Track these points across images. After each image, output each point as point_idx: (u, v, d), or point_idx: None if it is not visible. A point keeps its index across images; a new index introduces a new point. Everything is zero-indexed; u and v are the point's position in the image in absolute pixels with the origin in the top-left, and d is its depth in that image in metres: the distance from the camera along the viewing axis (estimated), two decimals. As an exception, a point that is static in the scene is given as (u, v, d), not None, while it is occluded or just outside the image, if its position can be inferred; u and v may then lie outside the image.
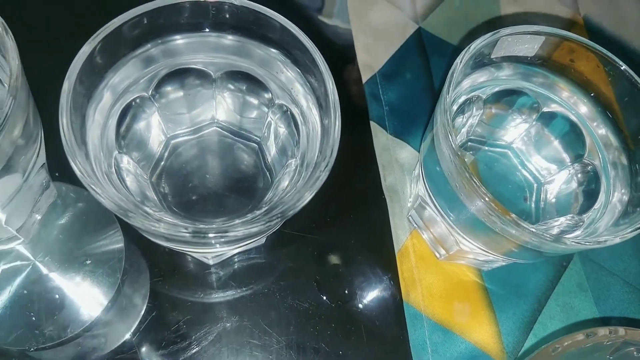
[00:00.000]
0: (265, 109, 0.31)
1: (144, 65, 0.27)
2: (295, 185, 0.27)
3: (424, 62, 0.41)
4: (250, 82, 0.30)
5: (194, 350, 0.31)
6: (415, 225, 0.35)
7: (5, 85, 0.26)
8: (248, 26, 0.27)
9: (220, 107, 0.31)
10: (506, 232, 0.25)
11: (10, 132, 0.23)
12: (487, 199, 0.24)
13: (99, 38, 0.23)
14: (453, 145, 0.24)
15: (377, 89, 0.39)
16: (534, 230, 0.24)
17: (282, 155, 0.31)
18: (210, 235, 0.22)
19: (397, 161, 0.37)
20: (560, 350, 0.26)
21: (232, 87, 0.30)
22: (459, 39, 0.42)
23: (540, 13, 0.44)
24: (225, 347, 0.31)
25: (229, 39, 0.27)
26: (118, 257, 0.32)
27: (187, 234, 0.22)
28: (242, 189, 0.32)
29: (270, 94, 0.30)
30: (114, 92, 0.26)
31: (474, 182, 0.24)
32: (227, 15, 0.26)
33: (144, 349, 0.31)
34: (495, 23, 0.43)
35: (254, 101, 0.31)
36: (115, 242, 0.33)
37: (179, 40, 0.27)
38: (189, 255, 0.33)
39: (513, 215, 0.24)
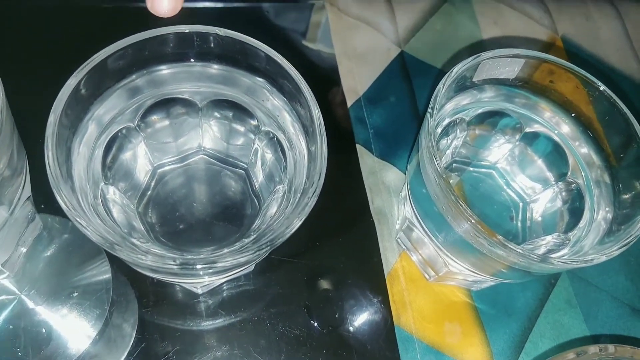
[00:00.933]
0: (252, 136, 0.31)
1: (129, 96, 0.27)
2: (283, 212, 0.27)
3: (408, 85, 0.41)
4: (236, 110, 0.30)
5: (185, 381, 0.30)
6: (404, 247, 0.35)
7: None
8: (233, 56, 0.27)
9: (207, 135, 0.31)
10: (493, 253, 0.25)
11: (-6, 166, 0.23)
12: (473, 221, 0.24)
13: (84, 71, 0.23)
14: (438, 168, 0.25)
15: (362, 112, 0.40)
16: (520, 251, 0.24)
17: (270, 181, 0.31)
18: (199, 266, 0.22)
19: (384, 183, 0.37)
20: (552, 369, 0.26)
21: (218, 115, 0.31)
22: (441, 62, 0.43)
23: (520, 35, 0.45)
24: (216, 377, 0.31)
25: (214, 69, 0.28)
26: (105, 288, 0.32)
27: (175, 266, 0.22)
28: (230, 216, 0.32)
29: (256, 121, 0.30)
30: (100, 123, 0.26)
31: (460, 204, 0.24)
32: (212, 45, 0.26)
33: (133, 382, 0.30)
34: (476, 46, 0.44)
35: (241, 128, 0.31)
36: (102, 272, 0.32)
37: (165, 70, 0.27)
38: (178, 284, 0.32)
39: (500, 237, 0.24)
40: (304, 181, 0.26)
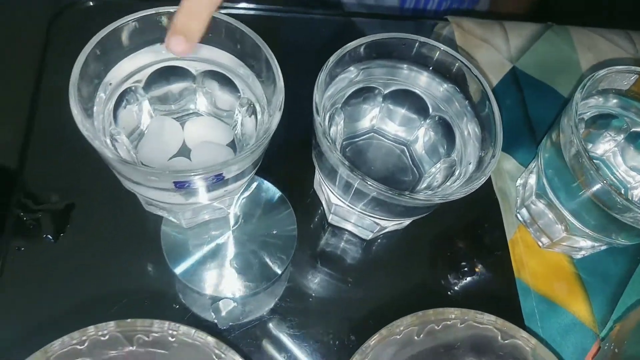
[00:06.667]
0: (422, 120, 0.40)
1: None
2: (457, 179, 0.36)
3: (520, 94, 0.50)
4: (413, 98, 0.39)
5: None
6: (521, 220, 0.44)
7: (257, 105, 0.35)
8: (422, 61, 0.37)
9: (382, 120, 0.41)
10: (622, 211, 0.34)
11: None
12: (606, 182, 0.33)
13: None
14: (582, 147, 0.34)
15: (485, 112, 0.49)
16: (645, 208, 0.33)
17: (433, 154, 0.40)
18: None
19: (504, 169, 0.46)
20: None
21: (392, 105, 0.40)
22: (545, 77, 0.52)
23: (613, 59, 0.54)
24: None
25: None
26: (292, 234, 0.41)
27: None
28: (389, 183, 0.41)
29: (428, 107, 0.39)
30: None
31: (600, 172, 0.33)
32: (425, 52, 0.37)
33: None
34: (573, 66, 0.53)
35: (413, 116, 0.41)
36: (290, 221, 0.41)
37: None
38: (347, 231, 0.42)
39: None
40: (478, 154, 0.35)
